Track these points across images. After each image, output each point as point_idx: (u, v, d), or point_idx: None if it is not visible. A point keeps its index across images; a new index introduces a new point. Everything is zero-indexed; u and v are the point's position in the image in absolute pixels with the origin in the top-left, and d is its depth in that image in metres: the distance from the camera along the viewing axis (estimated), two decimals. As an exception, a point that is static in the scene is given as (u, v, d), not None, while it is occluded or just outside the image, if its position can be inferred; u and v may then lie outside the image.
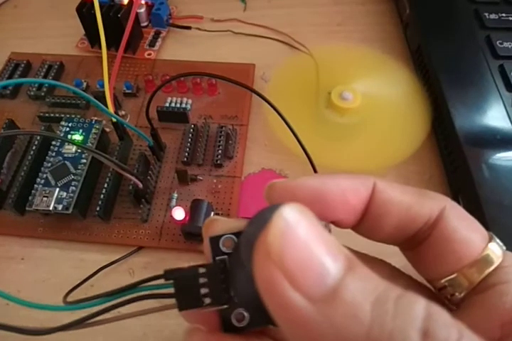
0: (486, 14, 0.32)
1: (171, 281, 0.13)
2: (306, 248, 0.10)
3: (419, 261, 0.15)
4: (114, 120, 0.27)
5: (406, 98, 0.31)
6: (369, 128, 0.30)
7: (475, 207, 0.25)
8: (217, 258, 0.14)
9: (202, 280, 0.13)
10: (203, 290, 0.13)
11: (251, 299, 0.12)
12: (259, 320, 0.14)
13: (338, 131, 0.30)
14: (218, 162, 0.29)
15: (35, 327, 0.14)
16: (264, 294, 0.10)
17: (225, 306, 0.13)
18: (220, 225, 0.15)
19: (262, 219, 0.11)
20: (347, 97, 0.30)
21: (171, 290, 0.13)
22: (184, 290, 0.13)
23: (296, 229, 0.10)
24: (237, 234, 0.14)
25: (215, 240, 0.14)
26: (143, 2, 0.36)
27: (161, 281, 0.14)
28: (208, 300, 0.13)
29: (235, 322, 0.14)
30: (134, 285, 0.14)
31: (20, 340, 0.19)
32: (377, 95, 0.31)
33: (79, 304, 0.15)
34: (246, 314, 0.14)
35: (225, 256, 0.14)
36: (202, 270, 0.13)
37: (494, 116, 0.28)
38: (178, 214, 0.26)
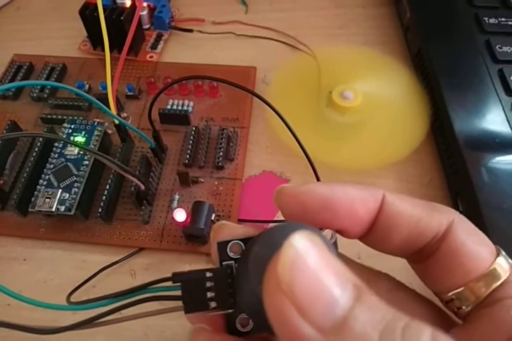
0: (486, 18, 0.32)
1: (178, 284, 0.14)
2: (315, 278, 0.10)
3: (427, 274, 0.15)
4: (117, 122, 0.27)
5: (406, 98, 0.31)
6: (369, 127, 0.30)
7: (474, 210, 0.25)
8: (224, 263, 0.14)
9: (209, 284, 0.14)
10: (209, 294, 0.13)
11: (255, 310, 0.12)
12: (262, 328, 0.14)
13: (338, 130, 0.30)
14: (219, 164, 0.29)
15: (43, 326, 0.15)
16: (274, 322, 0.10)
17: (230, 310, 0.14)
18: (228, 230, 0.15)
19: (272, 242, 0.12)
20: (348, 96, 0.30)
21: (177, 292, 0.14)
22: (191, 293, 0.14)
23: (305, 258, 0.10)
24: (245, 240, 0.14)
25: (223, 245, 0.14)
26: (145, 5, 0.37)
27: (168, 283, 0.14)
28: (213, 304, 0.14)
29: (240, 327, 0.14)
30: (142, 286, 0.15)
31: (22, 340, 0.19)
32: (378, 95, 0.31)
33: (85, 304, 0.15)
34: (251, 320, 0.14)
35: (232, 262, 0.14)
36: (209, 274, 0.14)
37: (493, 120, 0.28)
38: (180, 215, 0.26)
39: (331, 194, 0.14)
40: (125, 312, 0.14)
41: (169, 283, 0.14)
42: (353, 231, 0.15)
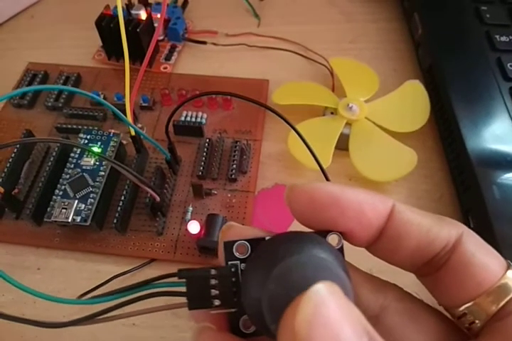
0: (497, 36, 0.33)
1: (184, 280, 0.14)
2: (333, 335, 0.10)
3: (438, 287, 0.15)
4: (133, 133, 0.27)
5: (413, 111, 0.32)
6: (375, 140, 0.30)
7: (485, 227, 0.25)
8: (230, 262, 0.14)
9: (213, 281, 0.14)
10: (214, 292, 0.14)
11: (256, 316, 0.13)
12: (263, 333, 0.14)
13: (344, 142, 0.30)
14: (233, 176, 0.29)
15: (49, 321, 0.15)
16: None
17: (234, 310, 0.14)
18: (235, 231, 0.15)
19: (288, 282, 0.12)
20: (353, 109, 0.31)
21: (182, 288, 0.14)
22: (195, 290, 0.14)
23: (324, 315, 0.10)
24: (251, 240, 0.14)
25: (229, 245, 0.15)
26: (158, 16, 0.37)
27: (173, 279, 0.14)
28: (217, 302, 0.14)
29: (242, 328, 0.14)
30: (147, 281, 0.15)
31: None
32: (385, 108, 0.32)
33: (93, 299, 0.15)
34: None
35: (238, 262, 0.14)
36: (214, 272, 0.14)
37: (505, 138, 0.28)
38: (194, 227, 0.26)
39: (341, 193, 0.14)
40: (130, 308, 0.15)
41: (174, 279, 0.14)
42: (361, 236, 0.15)
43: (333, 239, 0.15)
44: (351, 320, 0.10)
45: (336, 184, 0.15)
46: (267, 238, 0.15)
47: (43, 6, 0.42)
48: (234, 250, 0.14)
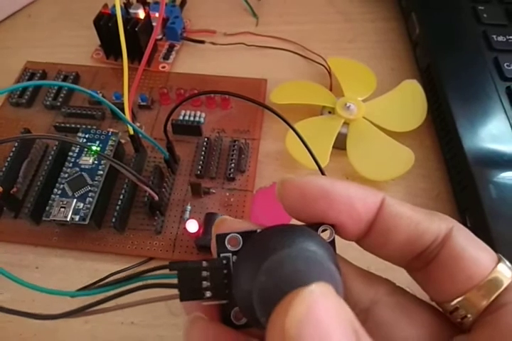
0: (494, 36, 0.33)
1: (175, 272, 0.14)
2: (322, 336, 0.10)
3: (429, 282, 0.15)
4: (132, 132, 0.27)
5: (411, 111, 0.32)
6: (372, 139, 0.30)
7: (482, 226, 0.25)
8: (222, 255, 0.14)
9: (205, 273, 0.14)
10: (205, 284, 0.14)
11: (247, 309, 0.13)
12: (254, 325, 0.14)
13: (342, 141, 0.30)
14: (231, 175, 0.29)
15: (41, 313, 0.15)
16: None
17: (225, 301, 0.14)
18: (228, 224, 0.15)
19: (280, 275, 0.12)
20: (351, 108, 0.31)
21: (175, 280, 0.14)
22: (187, 282, 0.14)
23: (315, 318, 0.10)
24: (243, 233, 0.15)
25: (221, 237, 0.15)
26: (157, 15, 0.37)
27: (165, 271, 0.14)
28: (208, 294, 0.14)
29: (234, 319, 0.15)
30: (140, 273, 0.15)
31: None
32: (382, 108, 0.32)
33: (86, 291, 0.16)
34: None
35: (229, 254, 0.14)
36: (205, 264, 0.14)
37: (501, 137, 0.28)
38: (192, 226, 0.26)
39: (331, 186, 0.14)
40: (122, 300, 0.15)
41: (167, 271, 0.14)
42: (351, 229, 0.15)
43: (324, 231, 0.15)
44: (342, 321, 0.10)
45: (326, 177, 0.15)
46: (259, 230, 0.15)
47: (40, 5, 0.42)
48: (226, 242, 0.15)
